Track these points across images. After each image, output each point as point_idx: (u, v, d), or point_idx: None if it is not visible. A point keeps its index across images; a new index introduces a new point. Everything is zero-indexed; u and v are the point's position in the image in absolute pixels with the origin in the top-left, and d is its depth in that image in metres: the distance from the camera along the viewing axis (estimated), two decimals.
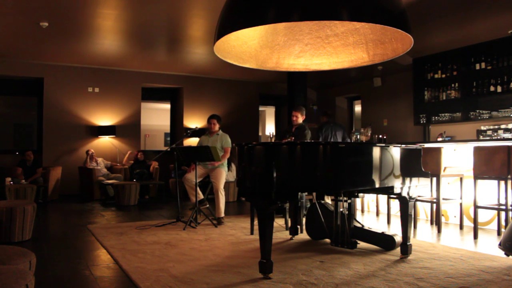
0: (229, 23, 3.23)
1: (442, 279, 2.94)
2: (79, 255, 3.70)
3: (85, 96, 8.90)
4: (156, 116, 13.68)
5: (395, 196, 3.61)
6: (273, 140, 5.05)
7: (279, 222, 5.03)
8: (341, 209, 3.84)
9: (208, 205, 5.41)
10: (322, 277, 2.98)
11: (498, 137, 6.76)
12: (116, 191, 7.28)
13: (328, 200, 5.13)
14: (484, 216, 4.89)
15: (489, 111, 7.03)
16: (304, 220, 4.50)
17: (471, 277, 2.97)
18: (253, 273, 3.05)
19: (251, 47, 3.91)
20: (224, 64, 4.42)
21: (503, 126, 6.94)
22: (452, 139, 7.42)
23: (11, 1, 5.23)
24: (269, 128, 14.10)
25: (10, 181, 7.04)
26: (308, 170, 2.92)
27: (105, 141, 9.05)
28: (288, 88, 8.19)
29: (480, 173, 4.39)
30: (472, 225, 4.86)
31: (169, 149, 5.66)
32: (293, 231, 4.30)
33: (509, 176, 4.17)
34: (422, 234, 4.65)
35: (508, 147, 4.18)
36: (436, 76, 7.83)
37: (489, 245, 4.02)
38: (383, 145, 3.33)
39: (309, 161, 2.91)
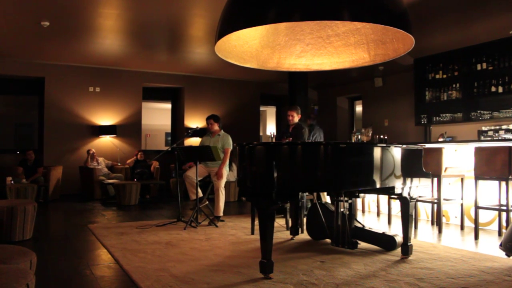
0: (230, 23, 3.23)
1: (443, 279, 2.94)
2: (79, 255, 3.70)
3: (86, 95, 8.91)
4: (157, 116, 13.68)
5: (396, 197, 3.61)
6: (273, 140, 5.06)
7: (279, 222, 5.03)
8: (341, 209, 3.84)
9: (207, 203, 5.41)
10: (322, 277, 2.98)
11: (499, 138, 6.75)
12: (117, 191, 7.28)
13: (324, 197, 5.13)
14: (485, 216, 4.88)
15: (490, 112, 7.02)
16: (304, 220, 4.50)
17: (472, 278, 2.97)
18: (253, 273, 3.05)
19: (252, 47, 3.92)
20: (225, 64, 4.43)
21: (504, 127, 6.93)
22: (453, 140, 7.41)
23: (12, 1, 5.24)
24: (270, 128, 14.10)
25: (11, 181, 7.05)
26: (309, 170, 2.92)
27: (106, 141, 9.06)
28: (289, 88, 8.19)
29: (481, 173, 4.39)
30: (473, 225, 4.86)
31: (169, 149, 5.66)
32: (294, 231, 4.30)
33: (510, 177, 4.16)
34: (423, 234, 4.64)
35: (509, 147, 4.17)
36: (437, 76, 7.82)
37: (490, 246, 4.02)
38: (384, 145, 3.33)
39: (310, 161, 2.91)
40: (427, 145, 5.06)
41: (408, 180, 3.50)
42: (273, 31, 3.87)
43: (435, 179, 4.84)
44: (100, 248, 3.96)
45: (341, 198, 3.80)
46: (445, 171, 4.72)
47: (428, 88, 7.99)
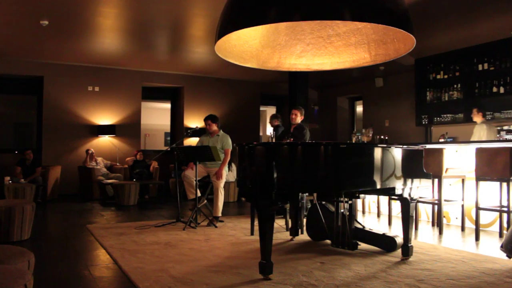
0: (230, 22, 3.23)
1: (443, 281, 2.94)
2: (78, 255, 3.70)
3: (85, 95, 8.91)
4: (156, 116, 13.68)
5: (396, 197, 3.60)
6: (274, 140, 5.06)
7: (279, 222, 5.02)
8: (342, 210, 3.84)
9: (205, 201, 5.41)
10: (322, 278, 2.98)
11: (501, 139, 6.75)
12: (116, 191, 7.28)
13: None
14: (486, 217, 4.88)
15: (492, 112, 7.02)
16: (304, 221, 4.50)
17: (473, 279, 2.97)
18: (253, 274, 3.05)
19: (252, 46, 3.92)
20: (225, 63, 4.42)
21: (505, 127, 6.93)
22: (454, 140, 7.41)
23: (12, 0, 5.24)
24: (270, 128, 14.07)
25: (9, 180, 7.05)
26: (309, 171, 2.92)
27: (105, 141, 9.06)
28: (289, 88, 8.19)
29: (482, 174, 4.39)
30: (473, 226, 4.86)
31: (169, 149, 5.66)
32: (294, 232, 4.30)
33: (511, 178, 4.16)
34: (424, 235, 4.64)
35: (511, 148, 4.17)
36: (438, 76, 7.83)
37: (490, 247, 4.02)
38: (385, 145, 3.33)
39: (310, 161, 2.91)
40: (428, 146, 5.06)
41: (409, 181, 3.50)
42: (273, 30, 3.87)
43: (436, 180, 4.84)
44: (98, 248, 3.96)
45: (341, 199, 3.80)
46: (446, 172, 4.72)
47: (429, 89, 7.99)
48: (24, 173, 7.58)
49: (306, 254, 3.68)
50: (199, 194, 5.27)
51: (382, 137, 6.00)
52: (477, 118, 6.25)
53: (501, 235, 4.51)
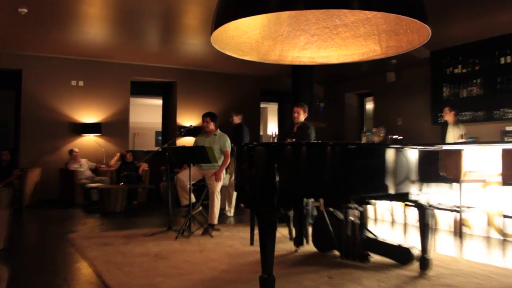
0: (228, 11, 3.21)
1: None
2: (57, 269, 3.66)
3: (68, 90, 8.88)
4: (147, 113, 13.66)
5: (411, 204, 3.58)
6: (275, 140, 5.03)
7: (282, 231, 4.99)
8: (351, 218, 3.80)
9: (201, 208, 5.38)
10: None
11: None
12: (101, 196, 7.25)
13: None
14: None
15: None
16: (310, 229, 4.47)
17: None
18: None
19: (252, 38, 3.90)
20: (222, 56, 4.39)
21: None
22: (474, 141, 7.37)
23: None
24: (272, 127, 14.08)
25: None
26: (315, 174, 2.88)
27: (90, 140, 9.03)
28: (292, 83, 8.16)
29: (509, 178, 4.33)
30: (500, 237, 4.82)
31: (160, 150, 5.62)
32: (298, 242, 4.27)
33: None
34: (444, 246, 4.61)
35: None
36: (456, 71, 7.81)
37: None
38: (398, 146, 3.30)
39: (316, 163, 2.88)
40: (445, 147, 5.02)
41: (425, 186, 3.47)
42: (275, 20, 3.84)
43: (455, 185, 4.80)
44: (80, 261, 3.92)
45: (351, 205, 3.77)
46: (465, 175, 4.69)
47: (446, 84, 7.97)
48: None
49: (312, 267, 3.64)
50: (193, 199, 5.24)
51: (394, 137, 5.98)
52: (449, 117, 6.65)
53: None
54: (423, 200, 3.50)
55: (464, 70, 7.69)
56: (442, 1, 5.72)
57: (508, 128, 7.19)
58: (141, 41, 7.86)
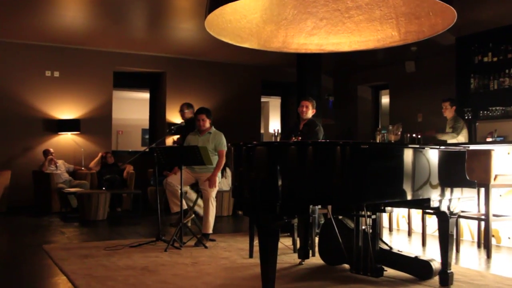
0: None
1: None
2: (32, 284, 3.68)
3: (42, 82, 8.91)
4: (132, 108, 13.68)
5: (432, 211, 3.61)
6: (278, 139, 5.06)
7: (285, 242, 5.03)
8: (363, 227, 3.84)
9: (193, 216, 5.41)
10: None
11: None
12: (80, 202, 7.28)
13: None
14: None
15: None
16: (317, 240, 4.50)
17: None
18: None
19: (251, 22, 3.92)
20: (217, 43, 4.42)
21: None
22: (505, 140, 7.40)
23: None
24: (274, 125, 14.08)
25: None
26: (322, 177, 2.92)
27: (67, 139, 9.06)
28: (297, 74, 8.18)
29: None
30: None
31: (147, 150, 5.65)
32: (303, 254, 4.30)
33: None
34: (467, 259, 4.64)
35: None
36: (485, 59, 7.82)
37: None
38: (417, 146, 3.32)
39: (324, 165, 2.91)
40: (472, 147, 5.05)
41: (448, 191, 3.50)
42: (278, 2, 3.87)
43: (482, 190, 4.83)
44: (58, 274, 3.95)
45: (363, 213, 3.80)
46: (495, 179, 4.71)
47: (473, 75, 7.98)
48: None
49: (318, 282, 3.67)
50: (185, 206, 5.27)
51: (413, 135, 6.01)
52: (449, 113, 6.79)
53: None
54: (445, 207, 3.52)
55: (495, 59, 7.70)
56: None
57: None
58: (126, 26, 7.88)
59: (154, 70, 10.05)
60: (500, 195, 5.25)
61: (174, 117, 9.89)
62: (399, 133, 4.29)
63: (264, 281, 2.95)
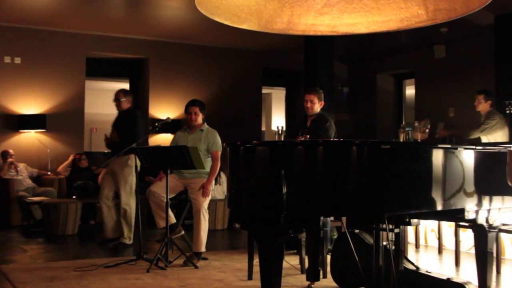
0: None
1: None
2: None
3: (0, 69, 8.90)
4: (108, 102, 13.62)
5: (467, 224, 3.61)
6: (282, 138, 5.06)
7: (291, 261, 5.03)
8: (384, 243, 3.83)
9: (183, 233, 5.40)
10: None
11: None
12: (46, 214, 7.27)
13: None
14: None
15: None
16: (329, 258, 4.49)
17: None
18: None
19: None
20: (210, 24, 4.40)
21: None
22: None
23: None
24: (277, 121, 14.09)
25: None
26: (335, 183, 2.91)
27: (30, 138, 9.05)
28: (305, 61, 8.18)
29: None
30: None
31: (126, 151, 5.64)
32: (313, 275, 4.28)
33: None
34: (509, 281, 4.62)
35: None
36: None
37: None
38: (449, 146, 3.32)
39: (337, 169, 2.91)
40: None
41: (486, 200, 3.49)
42: None
43: None
44: None
45: (384, 226, 3.80)
46: None
47: None
48: None
49: None
50: (172, 219, 5.26)
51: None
52: (483, 107, 6.82)
53: None
54: (482, 219, 3.52)
55: None
56: None
57: None
58: (101, 4, 7.88)
59: (134, 56, 10.05)
60: None
61: (158, 111, 9.89)
62: (427, 130, 4.27)
63: None
